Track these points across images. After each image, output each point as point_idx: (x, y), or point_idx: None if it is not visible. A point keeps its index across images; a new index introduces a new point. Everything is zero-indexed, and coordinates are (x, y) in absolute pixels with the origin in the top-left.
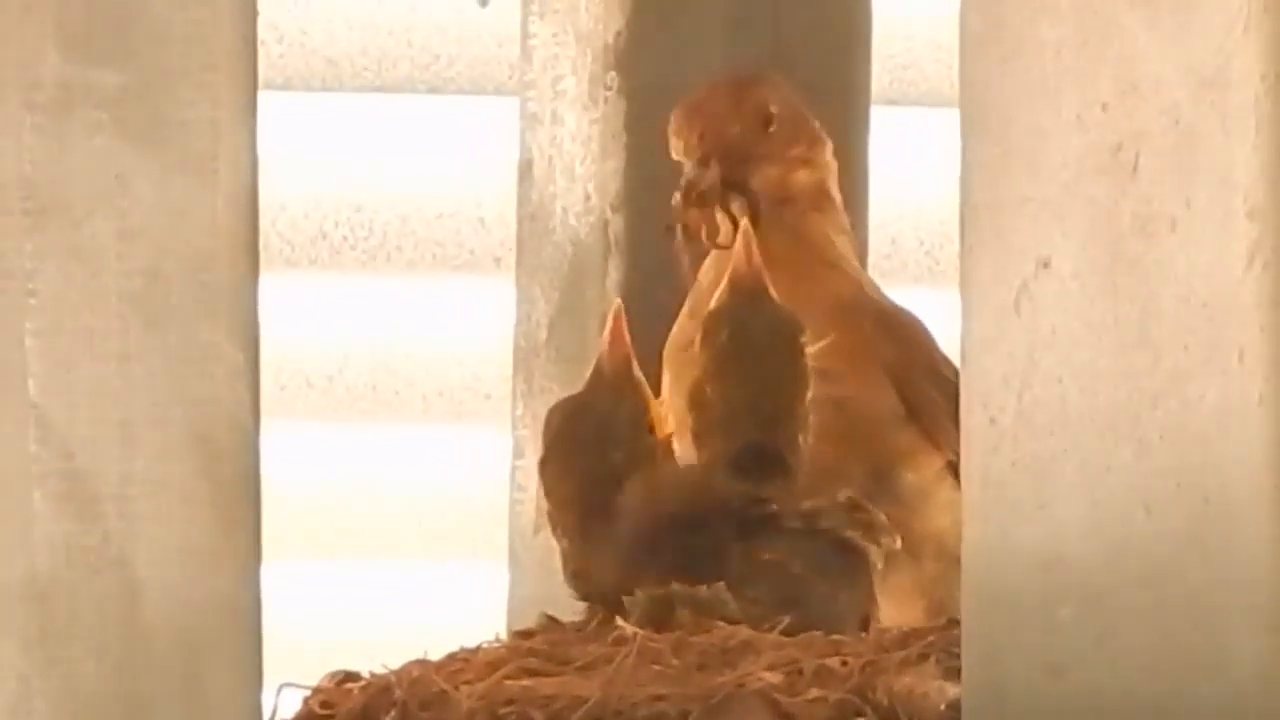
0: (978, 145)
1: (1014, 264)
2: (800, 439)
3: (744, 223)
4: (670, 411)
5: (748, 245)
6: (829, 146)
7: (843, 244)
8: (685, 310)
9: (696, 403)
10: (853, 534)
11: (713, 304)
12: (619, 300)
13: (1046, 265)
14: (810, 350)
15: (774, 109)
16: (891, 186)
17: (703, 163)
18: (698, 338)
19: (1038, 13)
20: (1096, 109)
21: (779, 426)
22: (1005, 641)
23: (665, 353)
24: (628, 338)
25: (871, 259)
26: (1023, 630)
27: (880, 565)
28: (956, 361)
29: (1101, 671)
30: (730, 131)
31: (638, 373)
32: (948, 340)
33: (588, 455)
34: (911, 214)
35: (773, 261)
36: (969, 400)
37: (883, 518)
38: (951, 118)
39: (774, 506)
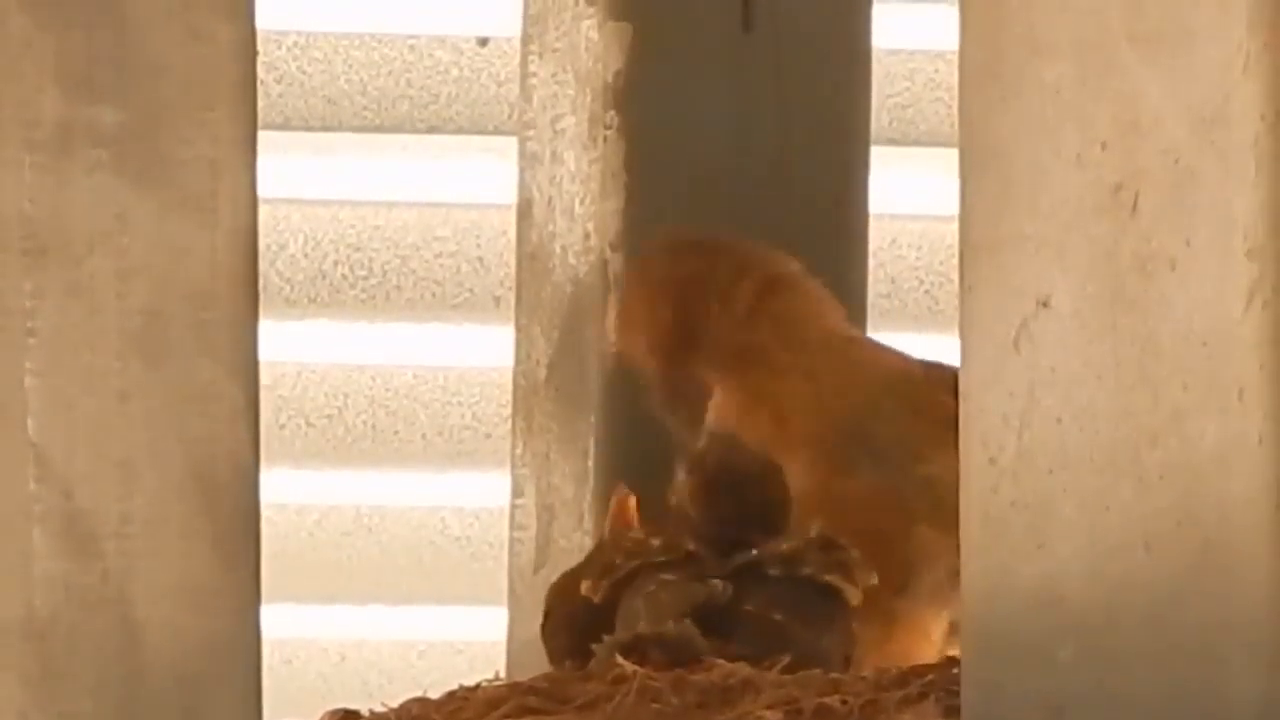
0: (977, 184)
1: (1014, 303)
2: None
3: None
4: None
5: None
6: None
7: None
8: None
9: (683, 525)
10: (831, 577)
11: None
12: (622, 486)
13: (1046, 304)
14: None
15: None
16: (891, 226)
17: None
18: (692, 467)
19: (1037, 52)
20: (1096, 148)
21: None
22: (1005, 681)
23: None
24: (631, 521)
25: (870, 299)
26: (1022, 669)
27: (856, 603)
28: None
29: (1101, 711)
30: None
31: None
32: None
33: (579, 627)
34: (911, 253)
35: (798, 345)
36: (968, 439)
37: (858, 555)
38: (951, 157)
39: (755, 552)
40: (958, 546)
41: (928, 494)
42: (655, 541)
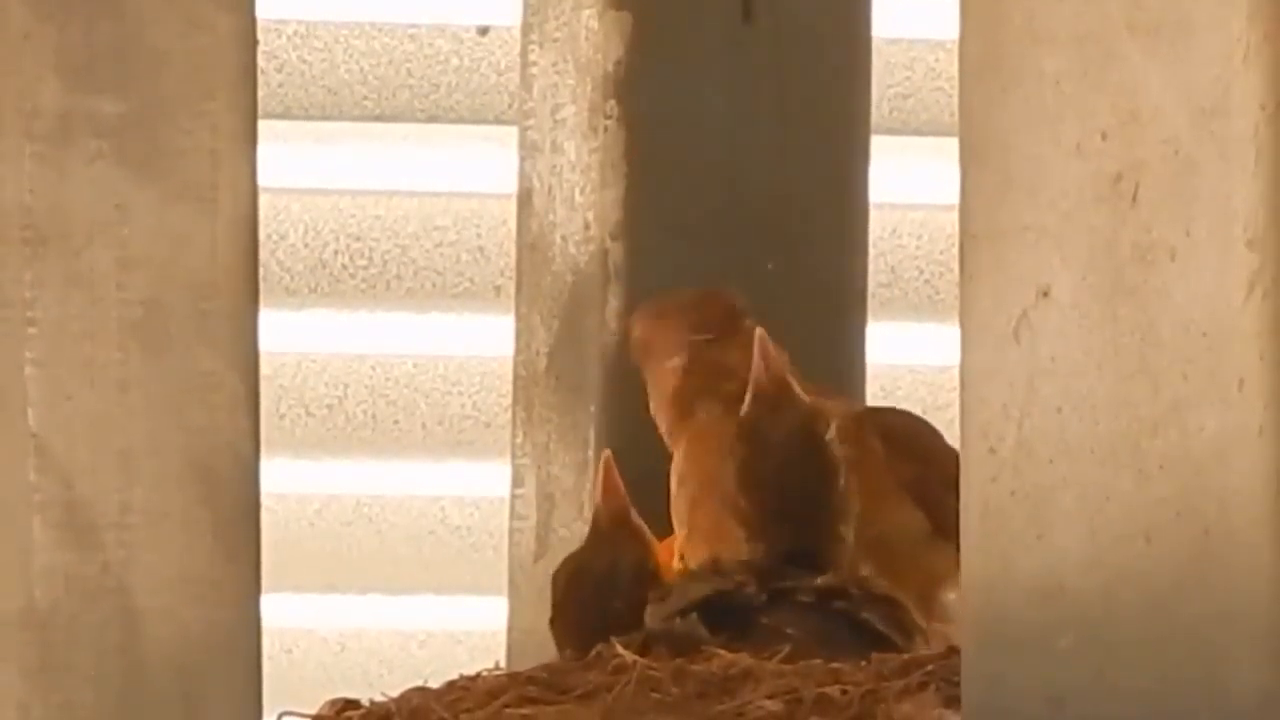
0: (977, 174)
1: (1013, 293)
2: (840, 528)
3: (759, 331)
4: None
5: (764, 351)
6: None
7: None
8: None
9: (736, 516)
10: (869, 615)
11: (742, 412)
12: (608, 451)
13: (1046, 294)
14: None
15: (738, 308)
16: (891, 215)
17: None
18: (732, 449)
19: (1037, 42)
20: (1096, 138)
21: (813, 524)
22: (1005, 671)
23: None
24: (621, 487)
25: (870, 288)
26: (1022, 660)
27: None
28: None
29: (1101, 701)
30: (698, 310)
31: (636, 520)
32: (948, 369)
33: (590, 613)
34: (911, 243)
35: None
36: (968, 429)
37: (919, 621)
38: (951, 146)
39: (789, 583)
40: (913, 594)
41: (881, 549)
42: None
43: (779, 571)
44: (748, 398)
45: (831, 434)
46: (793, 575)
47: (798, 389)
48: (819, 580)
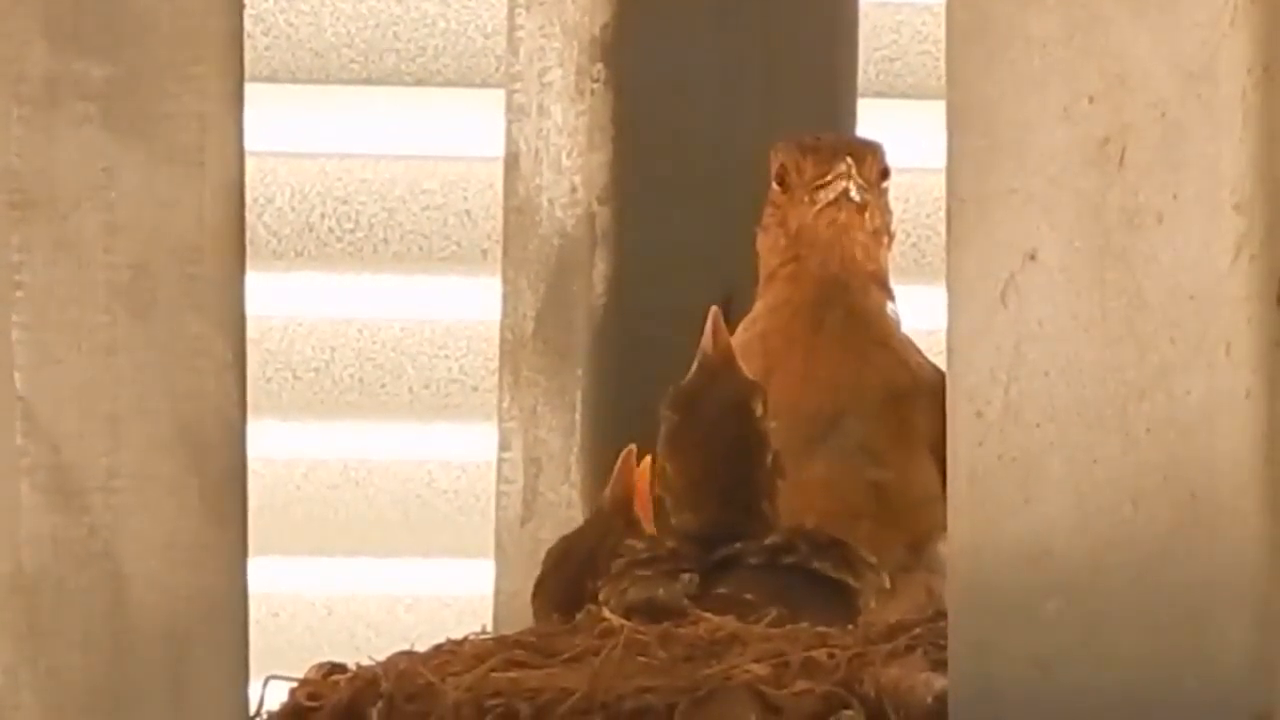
0: (964, 138)
1: (1001, 257)
2: (763, 505)
3: (714, 309)
4: None
5: (716, 327)
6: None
7: (894, 316)
8: None
9: (662, 483)
10: (821, 565)
11: (684, 381)
12: (633, 446)
13: (1033, 258)
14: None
15: (889, 170)
16: None
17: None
18: (665, 416)
19: (1025, 6)
20: (1083, 102)
21: (736, 496)
22: (992, 635)
23: None
24: (633, 480)
25: None
26: (1009, 623)
27: (873, 604)
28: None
29: (1088, 665)
30: (866, 158)
31: (636, 512)
32: (934, 333)
33: (569, 592)
34: (898, 206)
35: (826, 337)
36: (955, 393)
37: (868, 558)
38: (938, 110)
39: (738, 546)
40: (906, 541)
41: (873, 495)
42: (640, 544)
43: (722, 537)
44: (693, 367)
45: (761, 411)
46: (740, 538)
47: (741, 368)
48: (768, 540)
